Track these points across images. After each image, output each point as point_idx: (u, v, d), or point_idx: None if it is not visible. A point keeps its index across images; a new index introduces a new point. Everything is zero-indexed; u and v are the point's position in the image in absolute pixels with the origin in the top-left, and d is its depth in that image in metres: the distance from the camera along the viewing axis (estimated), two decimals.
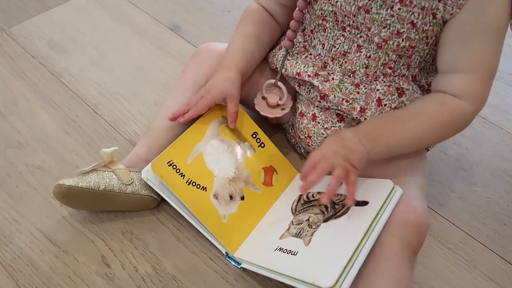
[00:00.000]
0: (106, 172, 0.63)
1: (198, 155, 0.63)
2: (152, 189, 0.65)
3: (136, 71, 0.89)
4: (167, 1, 1.04)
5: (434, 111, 0.54)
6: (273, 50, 0.69)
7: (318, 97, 0.64)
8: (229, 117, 0.63)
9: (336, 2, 0.56)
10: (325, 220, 0.54)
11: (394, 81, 0.60)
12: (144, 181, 0.64)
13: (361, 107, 0.60)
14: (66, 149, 0.75)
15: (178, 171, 0.60)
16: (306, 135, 0.68)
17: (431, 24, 0.52)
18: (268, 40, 0.67)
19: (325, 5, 0.57)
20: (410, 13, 0.52)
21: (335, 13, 0.57)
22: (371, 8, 0.53)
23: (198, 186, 0.61)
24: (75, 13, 1.00)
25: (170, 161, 0.60)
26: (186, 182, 0.60)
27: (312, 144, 0.68)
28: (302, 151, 0.74)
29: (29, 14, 0.98)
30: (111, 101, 0.83)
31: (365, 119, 0.60)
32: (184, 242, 0.64)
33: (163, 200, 0.67)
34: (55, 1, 1.02)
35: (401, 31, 0.54)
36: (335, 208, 0.55)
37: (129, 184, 0.63)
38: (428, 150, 0.68)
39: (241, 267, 0.59)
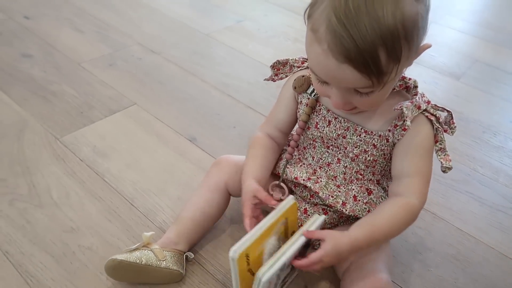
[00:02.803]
0: (146, 251, 0.82)
1: (262, 250, 0.71)
2: (180, 264, 0.83)
3: (163, 172, 1.11)
4: (185, 118, 1.30)
5: (399, 213, 0.72)
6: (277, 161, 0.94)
7: (309, 196, 0.87)
8: (265, 201, 0.77)
9: (323, 130, 0.81)
10: None
11: (364, 183, 0.83)
12: (174, 258, 0.82)
13: (342, 201, 0.82)
14: (109, 234, 0.94)
15: (248, 262, 0.68)
16: (299, 224, 0.89)
17: (386, 145, 0.78)
18: (272, 158, 0.89)
19: (315, 132, 0.83)
20: (372, 138, 0.77)
21: (322, 137, 0.82)
22: (346, 135, 0.79)
23: (253, 274, 0.68)
24: (114, 126, 1.24)
25: (247, 255, 0.67)
26: (248, 271, 0.69)
27: None
28: None
29: (77, 126, 1.22)
30: (144, 196, 1.03)
31: (346, 210, 0.82)
32: None
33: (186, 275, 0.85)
34: (97, 116, 1.27)
35: (367, 150, 0.78)
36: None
37: (163, 260, 0.82)
38: None
39: None
